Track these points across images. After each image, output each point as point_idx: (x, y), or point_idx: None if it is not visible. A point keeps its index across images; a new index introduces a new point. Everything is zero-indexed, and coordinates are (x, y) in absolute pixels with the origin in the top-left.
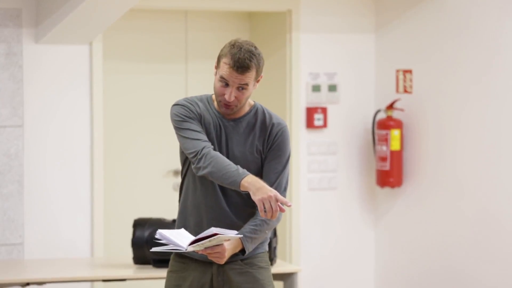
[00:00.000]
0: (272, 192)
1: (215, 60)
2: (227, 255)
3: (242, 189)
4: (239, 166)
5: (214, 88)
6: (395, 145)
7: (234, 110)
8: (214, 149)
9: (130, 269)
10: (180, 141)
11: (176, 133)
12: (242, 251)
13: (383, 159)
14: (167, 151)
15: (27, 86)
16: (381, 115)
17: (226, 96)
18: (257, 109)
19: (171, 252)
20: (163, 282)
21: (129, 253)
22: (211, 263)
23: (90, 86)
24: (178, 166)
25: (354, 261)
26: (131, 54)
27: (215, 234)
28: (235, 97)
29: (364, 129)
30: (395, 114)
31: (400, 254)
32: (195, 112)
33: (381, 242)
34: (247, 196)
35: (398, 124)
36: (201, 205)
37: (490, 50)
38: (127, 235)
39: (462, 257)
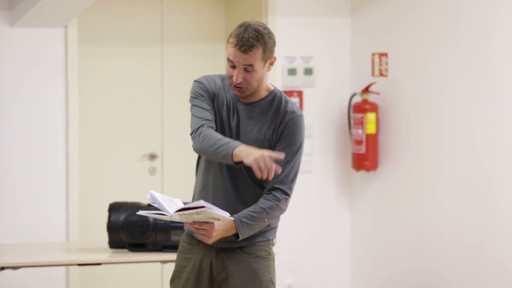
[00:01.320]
0: (265, 151)
1: (191, 43)
2: (216, 235)
3: (235, 159)
4: (231, 139)
5: (225, 70)
6: (370, 128)
7: (246, 93)
8: (223, 130)
9: (105, 253)
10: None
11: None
12: (236, 236)
13: (359, 142)
14: (143, 135)
15: (1, 70)
16: (357, 99)
17: (234, 78)
18: (275, 95)
19: (144, 233)
20: (138, 266)
21: (104, 237)
22: (212, 247)
23: (65, 69)
24: (154, 150)
25: (329, 243)
26: (107, 37)
27: (203, 207)
28: (244, 78)
29: (339, 113)
30: (371, 98)
31: (375, 237)
32: (209, 90)
33: (357, 225)
34: (254, 179)
35: (374, 108)
36: (209, 186)
37: (466, 33)
38: (102, 219)
39: (437, 240)
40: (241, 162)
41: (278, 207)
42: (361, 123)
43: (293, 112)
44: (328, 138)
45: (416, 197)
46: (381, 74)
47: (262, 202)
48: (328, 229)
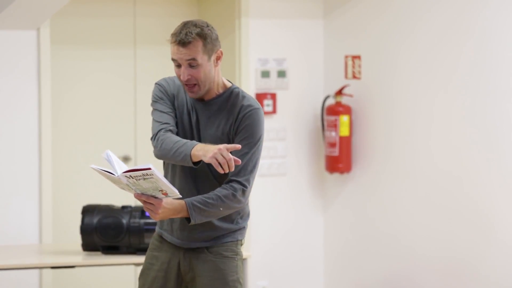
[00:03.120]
0: (220, 145)
1: (164, 45)
2: (162, 212)
3: (194, 159)
4: (188, 141)
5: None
6: (344, 131)
7: (199, 92)
8: (185, 131)
9: (79, 256)
10: None
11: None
12: (188, 220)
13: (332, 145)
14: (116, 137)
15: None
16: (330, 101)
17: (181, 76)
18: (232, 91)
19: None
20: (112, 268)
21: (78, 239)
22: (180, 247)
23: (37, 71)
24: (127, 152)
25: (303, 246)
26: (79, 39)
27: (149, 169)
28: (190, 75)
29: (313, 115)
30: (344, 100)
31: (349, 239)
32: (168, 91)
33: (330, 227)
34: (218, 178)
35: (347, 110)
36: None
37: (439, 35)
38: (75, 222)
39: (410, 242)
40: (200, 161)
41: (235, 197)
42: (334, 126)
43: (250, 105)
44: (302, 141)
45: (389, 199)
46: (354, 77)
47: (218, 190)
48: (301, 231)
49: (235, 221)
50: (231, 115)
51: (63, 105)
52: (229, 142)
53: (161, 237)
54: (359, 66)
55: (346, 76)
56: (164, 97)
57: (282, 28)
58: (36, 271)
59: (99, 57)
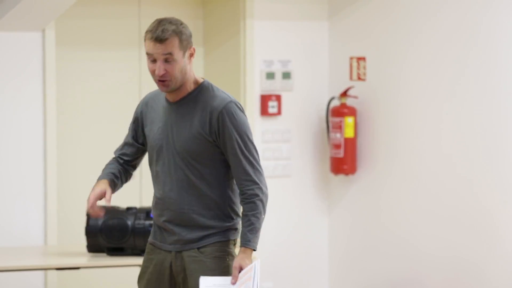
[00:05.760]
0: (93, 192)
1: None
2: (246, 265)
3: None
4: (103, 172)
5: (148, 70)
6: (349, 132)
7: (172, 87)
8: (167, 136)
9: (84, 258)
10: None
11: None
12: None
13: (337, 146)
14: (122, 139)
15: None
16: (335, 103)
17: (156, 71)
18: (202, 87)
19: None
20: (117, 270)
21: (83, 241)
22: (169, 251)
23: (43, 73)
24: None
25: (308, 247)
26: (84, 40)
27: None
28: (166, 70)
29: (318, 117)
30: (349, 102)
31: (354, 241)
32: (137, 111)
33: (335, 229)
34: (196, 178)
35: (352, 112)
36: (160, 196)
37: (443, 36)
38: (80, 223)
39: (415, 244)
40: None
41: (259, 199)
42: (339, 127)
43: (222, 100)
44: (306, 142)
45: (394, 201)
46: (359, 78)
47: (246, 210)
48: (306, 233)
49: (228, 217)
50: (204, 113)
51: (68, 107)
52: (206, 143)
53: (153, 244)
54: (364, 67)
55: (351, 78)
56: (135, 116)
57: (287, 30)
58: (41, 272)
59: (104, 59)
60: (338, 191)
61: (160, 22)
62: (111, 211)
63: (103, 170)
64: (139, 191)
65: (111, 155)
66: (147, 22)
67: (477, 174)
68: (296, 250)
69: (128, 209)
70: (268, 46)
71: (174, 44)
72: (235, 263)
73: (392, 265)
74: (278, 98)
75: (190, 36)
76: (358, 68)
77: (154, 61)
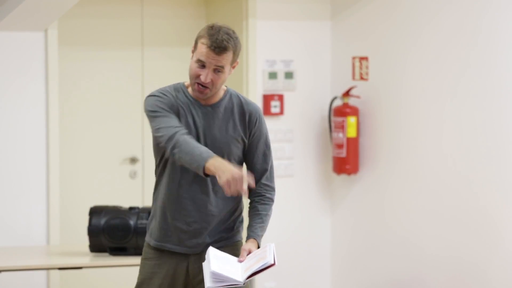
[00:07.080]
0: (238, 174)
1: (171, 46)
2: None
3: (208, 173)
4: (203, 150)
5: (190, 70)
6: (351, 132)
7: (208, 95)
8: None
9: (86, 257)
10: (154, 132)
11: (150, 124)
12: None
13: (340, 146)
14: (124, 138)
15: None
16: (338, 102)
17: (202, 77)
18: (231, 94)
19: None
20: (119, 270)
21: (85, 241)
22: (188, 254)
23: (45, 72)
24: (134, 154)
25: (310, 247)
26: (87, 40)
27: (273, 265)
28: (211, 79)
29: (320, 116)
30: (352, 101)
31: (356, 241)
32: (168, 102)
33: (337, 228)
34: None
35: (354, 111)
36: (180, 197)
37: (445, 36)
38: (83, 223)
39: (418, 244)
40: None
41: (273, 203)
42: (341, 127)
43: (256, 110)
44: (309, 142)
45: (396, 200)
46: (361, 78)
47: (263, 209)
48: (309, 233)
49: (241, 218)
50: (241, 117)
51: (71, 106)
52: (243, 143)
53: (158, 248)
54: (367, 67)
55: (353, 78)
56: (167, 106)
57: (290, 30)
58: (44, 272)
59: (107, 58)
60: (341, 191)
61: (219, 31)
62: (114, 211)
63: (199, 147)
64: (141, 191)
65: (113, 155)
66: (150, 22)
67: (479, 174)
68: (299, 250)
69: (131, 208)
70: (271, 46)
71: (228, 59)
72: (245, 246)
73: (394, 265)
74: (280, 98)
75: (240, 50)
76: (361, 68)
77: (203, 66)
